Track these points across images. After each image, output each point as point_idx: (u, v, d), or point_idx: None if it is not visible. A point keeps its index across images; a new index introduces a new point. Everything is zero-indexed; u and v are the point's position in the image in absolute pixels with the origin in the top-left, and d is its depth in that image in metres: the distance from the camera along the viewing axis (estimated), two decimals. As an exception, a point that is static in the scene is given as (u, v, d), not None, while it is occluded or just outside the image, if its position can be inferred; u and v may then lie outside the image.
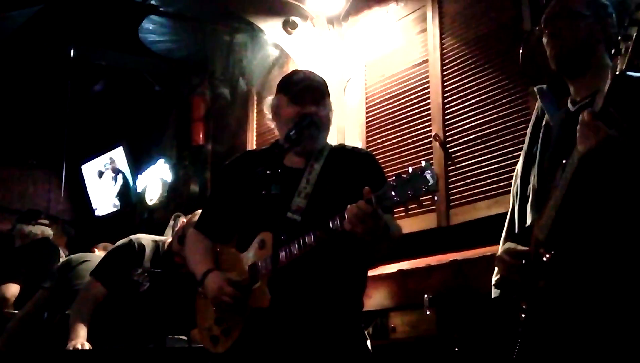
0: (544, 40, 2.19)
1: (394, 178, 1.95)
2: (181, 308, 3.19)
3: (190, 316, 2.57)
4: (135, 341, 3.23)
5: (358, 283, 2.34)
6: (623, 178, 1.92)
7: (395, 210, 2.29)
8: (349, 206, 1.99)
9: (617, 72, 1.84)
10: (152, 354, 3.08)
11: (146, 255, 3.41)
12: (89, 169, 7.60)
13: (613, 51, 1.88)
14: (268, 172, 2.13)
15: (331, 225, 2.05)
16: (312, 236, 2.10)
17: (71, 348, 3.11)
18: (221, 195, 2.46)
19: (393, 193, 1.92)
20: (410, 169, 1.92)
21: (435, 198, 1.90)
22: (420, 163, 1.93)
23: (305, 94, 2.31)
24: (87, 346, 3.14)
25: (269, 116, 2.42)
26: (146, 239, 3.51)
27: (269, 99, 2.43)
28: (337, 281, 2.23)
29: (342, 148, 2.49)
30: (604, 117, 1.86)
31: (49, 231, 4.84)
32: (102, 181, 7.43)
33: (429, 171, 1.89)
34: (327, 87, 2.39)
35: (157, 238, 3.55)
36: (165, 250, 3.46)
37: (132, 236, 3.52)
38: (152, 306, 3.32)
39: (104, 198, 7.45)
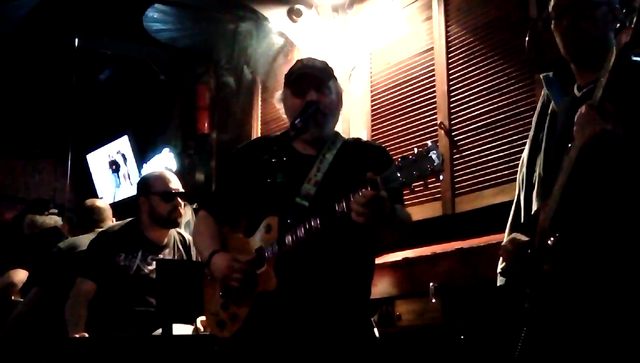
0: (558, 29, 2.15)
1: (399, 159, 1.96)
2: (187, 297, 3.20)
3: (196, 305, 2.58)
4: (137, 328, 3.23)
5: (365, 269, 2.35)
6: (622, 168, 1.93)
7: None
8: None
9: (622, 47, 1.84)
10: (159, 342, 3.09)
11: (123, 238, 3.41)
12: (94, 158, 7.61)
13: (618, 25, 1.87)
14: (274, 160, 2.13)
15: (337, 208, 2.06)
16: (317, 219, 2.11)
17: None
18: (230, 179, 2.48)
19: (399, 174, 1.93)
20: (415, 150, 1.92)
21: (441, 177, 1.90)
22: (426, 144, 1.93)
23: (304, 83, 2.32)
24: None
25: (282, 110, 2.43)
26: (116, 224, 3.59)
27: (278, 94, 2.44)
28: (344, 266, 2.24)
29: (356, 141, 2.51)
30: (602, 110, 1.86)
31: (60, 221, 4.90)
32: (108, 170, 7.44)
33: (435, 151, 1.88)
34: (330, 70, 2.39)
35: (124, 221, 3.57)
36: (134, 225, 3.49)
37: (98, 230, 3.65)
38: (157, 294, 3.33)
39: (109, 187, 7.46)
